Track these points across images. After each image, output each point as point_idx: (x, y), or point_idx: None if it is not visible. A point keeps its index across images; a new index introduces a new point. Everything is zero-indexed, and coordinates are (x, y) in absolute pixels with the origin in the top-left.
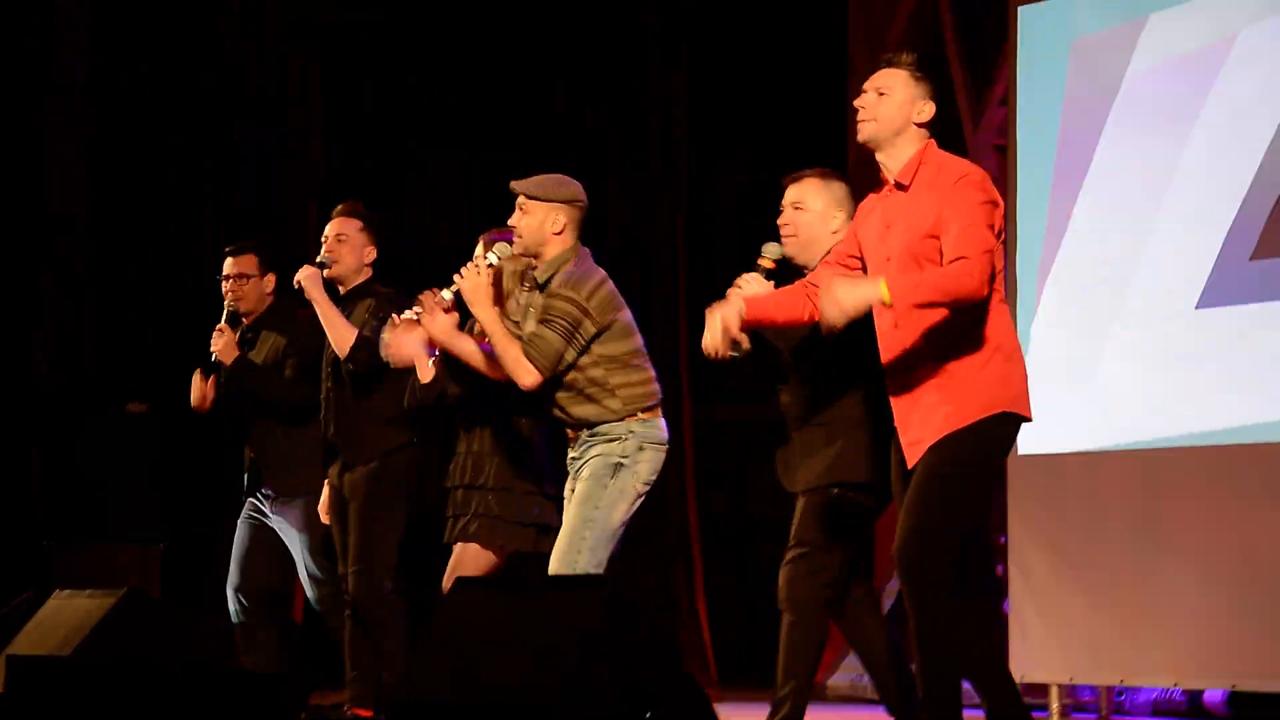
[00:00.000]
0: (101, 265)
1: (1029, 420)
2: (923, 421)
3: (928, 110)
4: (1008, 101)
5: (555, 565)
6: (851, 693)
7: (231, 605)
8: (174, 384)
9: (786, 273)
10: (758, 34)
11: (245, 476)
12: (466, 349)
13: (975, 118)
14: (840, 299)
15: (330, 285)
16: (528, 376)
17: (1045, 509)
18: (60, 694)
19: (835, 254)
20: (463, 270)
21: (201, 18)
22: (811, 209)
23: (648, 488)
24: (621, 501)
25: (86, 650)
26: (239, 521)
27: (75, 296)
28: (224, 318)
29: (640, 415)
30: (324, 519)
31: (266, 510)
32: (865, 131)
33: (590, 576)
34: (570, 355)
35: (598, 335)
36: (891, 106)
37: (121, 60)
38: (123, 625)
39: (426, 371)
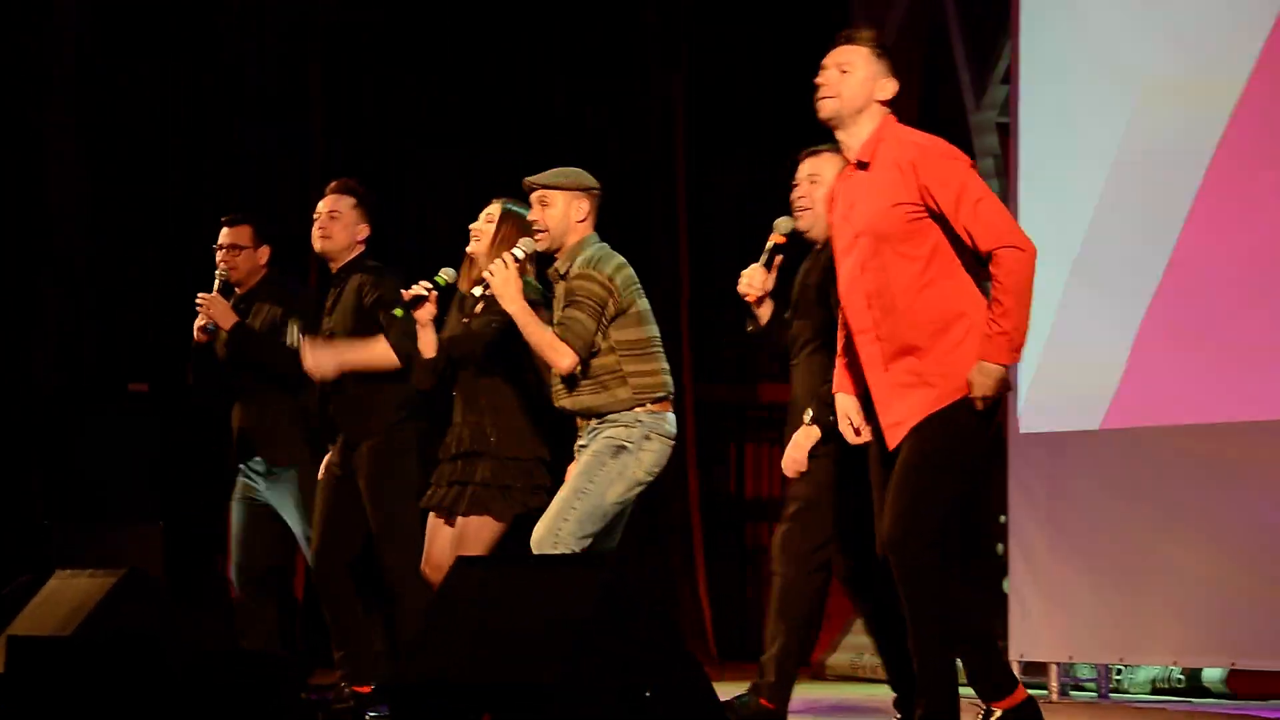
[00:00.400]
0: (101, 265)
1: (1009, 390)
2: (902, 402)
3: (890, 87)
4: (1010, 79)
5: (540, 530)
6: (850, 671)
7: (237, 585)
8: (173, 382)
9: (797, 247)
10: (758, 34)
11: (235, 445)
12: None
13: (978, 95)
14: (986, 387)
15: (321, 262)
16: (564, 360)
17: (1046, 488)
18: (61, 674)
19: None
20: (492, 268)
21: (201, 18)
22: (827, 183)
23: (650, 478)
24: (619, 482)
25: (87, 630)
26: (233, 501)
27: (75, 296)
28: (215, 288)
29: (650, 406)
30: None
31: (260, 486)
32: (827, 109)
33: (590, 555)
34: (600, 337)
35: (616, 317)
36: (854, 84)
37: (121, 60)
38: (123, 605)
39: (430, 346)
